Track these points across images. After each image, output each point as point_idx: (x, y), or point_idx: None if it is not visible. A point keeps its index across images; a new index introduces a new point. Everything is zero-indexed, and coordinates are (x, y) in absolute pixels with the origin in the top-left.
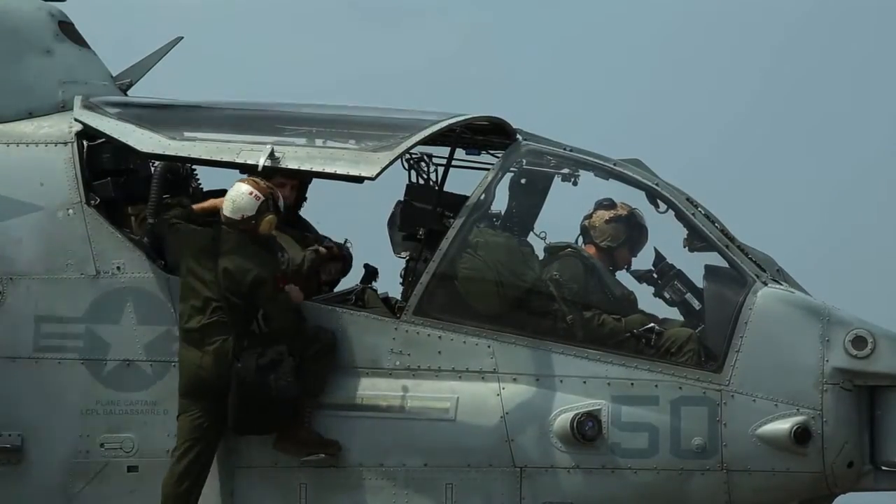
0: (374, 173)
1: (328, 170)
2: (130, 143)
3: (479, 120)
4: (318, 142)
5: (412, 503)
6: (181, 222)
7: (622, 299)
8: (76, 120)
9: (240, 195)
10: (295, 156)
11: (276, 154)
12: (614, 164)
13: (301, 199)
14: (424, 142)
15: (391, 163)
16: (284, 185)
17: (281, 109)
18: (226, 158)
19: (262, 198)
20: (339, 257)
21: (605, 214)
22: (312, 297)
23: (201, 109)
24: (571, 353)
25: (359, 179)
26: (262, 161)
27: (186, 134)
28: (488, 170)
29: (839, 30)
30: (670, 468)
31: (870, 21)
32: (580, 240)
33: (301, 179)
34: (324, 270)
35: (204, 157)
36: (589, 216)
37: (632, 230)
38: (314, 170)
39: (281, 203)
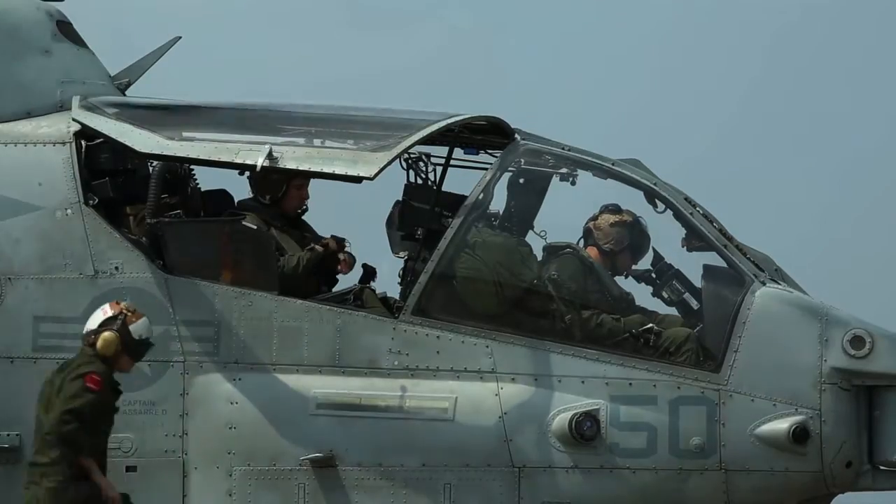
0: (373, 173)
1: (326, 170)
2: (129, 143)
3: (477, 120)
4: (317, 142)
5: (411, 503)
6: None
7: (620, 299)
8: (74, 120)
9: (95, 311)
10: (293, 156)
11: (275, 154)
12: (613, 164)
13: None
14: (423, 141)
15: (390, 163)
16: (302, 187)
17: (279, 109)
18: (224, 158)
19: (110, 314)
20: (340, 249)
21: (611, 218)
22: (312, 296)
23: (200, 109)
24: (570, 353)
25: (357, 179)
26: (260, 161)
27: (185, 134)
28: (486, 169)
29: (837, 26)
30: (669, 468)
31: (867, 18)
32: (582, 241)
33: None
34: (340, 265)
35: (202, 157)
36: (594, 218)
37: (635, 236)
38: (312, 170)
39: (133, 328)
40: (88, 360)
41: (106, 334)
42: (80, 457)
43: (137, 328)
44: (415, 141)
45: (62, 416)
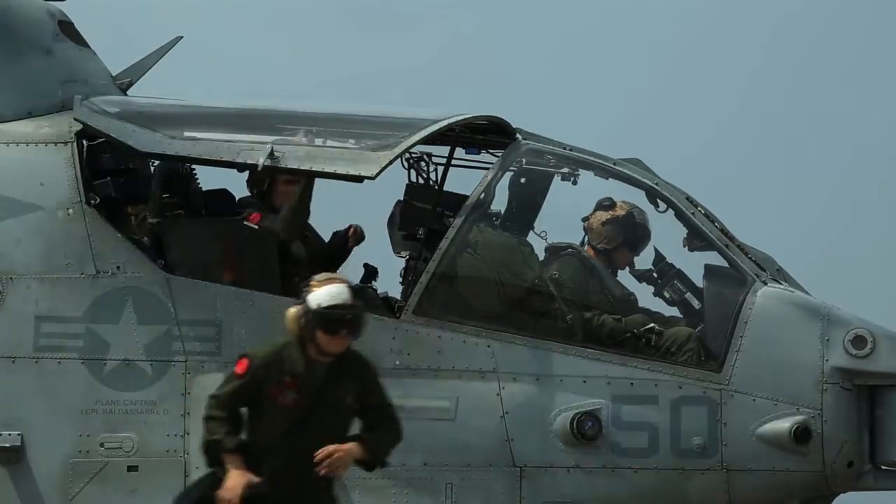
0: (374, 173)
1: (328, 169)
2: (130, 142)
3: (478, 119)
4: (318, 141)
5: (412, 503)
6: None
7: (622, 299)
8: (76, 119)
9: None
10: (295, 155)
11: (276, 154)
12: (614, 164)
13: None
14: (424, 141)
15: (391, 162)
16: (290, 183)
17: (280, 109)
18: (226, 158)
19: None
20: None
21: (602, 216)
22: None
23: (201, 109)
24: (571, 353)
25: (358, 179)
26: (261, 161)
27: (186, 134)
28: (488, 169)
29: (837, 25)
30: (670, 468)
31: (867, 17)
32: (585, 240)
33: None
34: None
35: (204, 157)
36: (587, 217)
37: (629, 231)
38: (314, 169)
39: (312, 297)
40: (277, 341)
41: (289, 309)
42: (223, 451)
43: (316, 297)
44: (416, 140)
45: (208, 399)
